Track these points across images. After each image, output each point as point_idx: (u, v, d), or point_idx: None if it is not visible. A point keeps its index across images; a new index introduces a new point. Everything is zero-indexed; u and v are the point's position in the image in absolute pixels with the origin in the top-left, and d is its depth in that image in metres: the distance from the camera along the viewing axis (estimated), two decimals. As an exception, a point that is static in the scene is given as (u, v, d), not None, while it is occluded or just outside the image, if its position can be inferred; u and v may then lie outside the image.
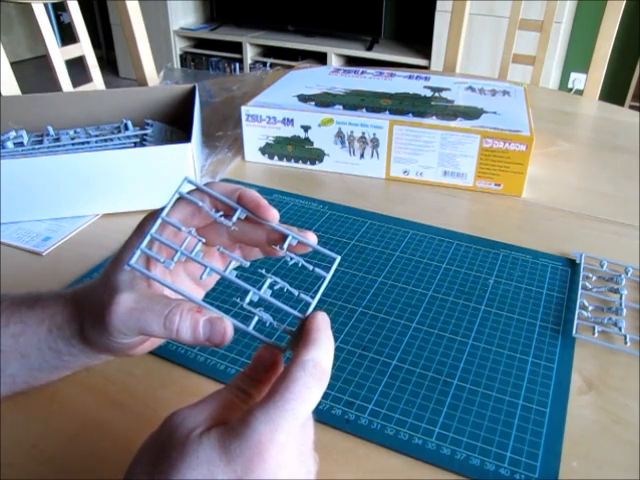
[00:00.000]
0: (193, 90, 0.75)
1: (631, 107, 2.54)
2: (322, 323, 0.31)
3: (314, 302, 0.32)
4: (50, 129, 0.70)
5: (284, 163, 0.77)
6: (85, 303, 0.35)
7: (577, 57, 2.77)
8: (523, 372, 0.43)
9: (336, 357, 0.44)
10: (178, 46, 3.47)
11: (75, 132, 0.72)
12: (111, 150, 0.66)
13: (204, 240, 0.33)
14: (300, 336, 0.30)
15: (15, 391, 0.37)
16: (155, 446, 0.27)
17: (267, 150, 0.76)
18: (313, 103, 0.75)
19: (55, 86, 1.03)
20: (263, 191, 0.69)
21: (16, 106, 0.72)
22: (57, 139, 0.69)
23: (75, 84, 1.04)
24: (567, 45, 2.78)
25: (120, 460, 0.28)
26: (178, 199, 0.33)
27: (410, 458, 0.36)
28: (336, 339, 0.46)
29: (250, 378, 0.30)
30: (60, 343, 0.35)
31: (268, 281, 0.32)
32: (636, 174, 0.77)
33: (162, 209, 0.33)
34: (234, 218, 0.33)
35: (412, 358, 0.44)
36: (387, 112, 0.73)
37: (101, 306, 0.32)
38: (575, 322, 0.47)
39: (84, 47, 1.07)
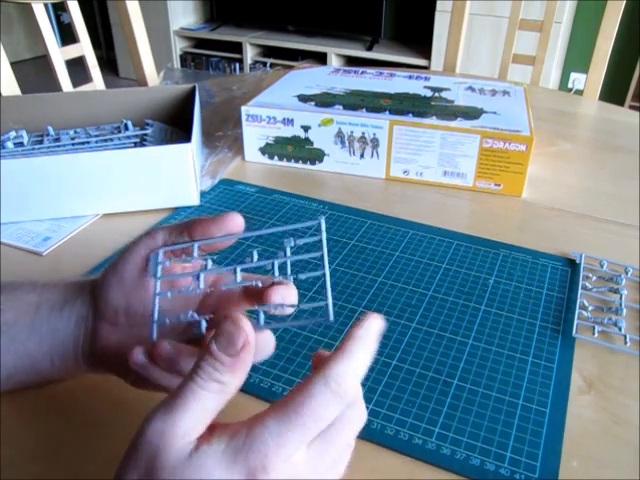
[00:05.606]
0: (193, 90, 0.75)
1: (631, 107, 2.54)
2: (363, 331, 0.27)
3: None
4: (50, 129, 0.70)
5: (284, 163, 0.77)
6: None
7: (577, 57, 2.77)
8: (523, 372, 0.43)
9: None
10: (178, 46, 3.48)
11: (75, 132, 0.72)
12: (111, 150, 0.66)
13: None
14: None
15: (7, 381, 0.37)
16: (140, 469, 0.25)
17: (267, 150, 0.76)
18: (313, 103, 0.75)
19: (55, 86, 1.02)
20: (263, 191, 0.69)
21: (16, 106, 0.72)
22: (57, 139, 0.69)
23: (75, 84, 1.04)
24: (567, 45, 2.78)
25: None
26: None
27: (410, 458, 0.36)
28: (335, 339, 0.46)
29: (219, 362, 0.27)
30: (63, 295, 0.37)
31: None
32: (636, 174, 0.77)
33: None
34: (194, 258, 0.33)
35: (412, 358, 0.44)
36: (387, 112, 0.73)
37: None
38: (575, 322, 0.47)
39: (84, 47, 1.07)
